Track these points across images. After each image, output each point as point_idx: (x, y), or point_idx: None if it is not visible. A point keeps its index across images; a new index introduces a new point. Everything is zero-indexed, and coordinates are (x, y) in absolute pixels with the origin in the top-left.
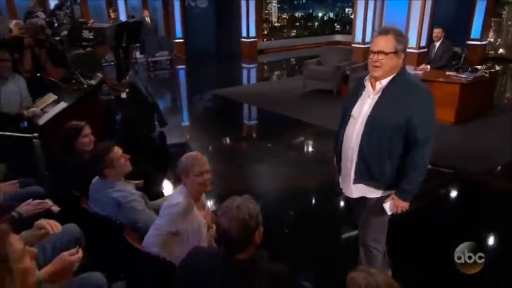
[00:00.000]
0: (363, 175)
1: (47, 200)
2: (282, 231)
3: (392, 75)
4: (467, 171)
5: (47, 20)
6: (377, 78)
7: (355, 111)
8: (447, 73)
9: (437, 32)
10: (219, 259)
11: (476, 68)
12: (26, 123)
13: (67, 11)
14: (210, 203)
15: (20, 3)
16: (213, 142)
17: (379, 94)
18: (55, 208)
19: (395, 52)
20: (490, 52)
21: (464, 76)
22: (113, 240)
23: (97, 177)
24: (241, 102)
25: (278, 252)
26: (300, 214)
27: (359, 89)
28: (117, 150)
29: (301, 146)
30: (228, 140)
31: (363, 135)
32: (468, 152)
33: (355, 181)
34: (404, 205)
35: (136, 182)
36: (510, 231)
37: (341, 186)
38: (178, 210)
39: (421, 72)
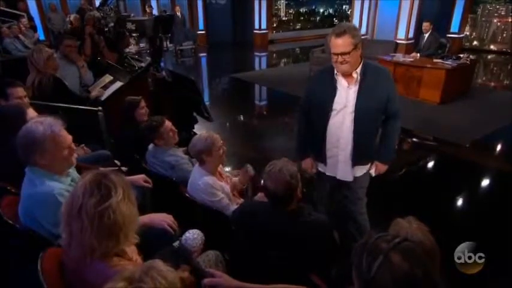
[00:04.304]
0: (362, 157)
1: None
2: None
3: (361, 65)
4: (447, 143)
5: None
6: (347, 73)
7: (336, 104)
8: (434, 60)
9: (426, 25)
10: (268, 211)
11: (459, 56)
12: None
13: (111, 6)
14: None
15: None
16: (230, 117)
17: (358, 84)
18: (123, 168)
19: (355, 47)
20: (466, 44)
21: (449, 63)
22: (171, 193)
23: (152, 145)
24: (254, 83)
25: None
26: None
27: (329, 83)
28: (167, 124)
29: None
30: (242, 115)
31: (355, 123)
32: (450, 127)
33: (354, 164)
34: (385, 168)
35: (182, 148)
36: (478, 193)
37: (329, 173)
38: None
39: (412, 59)
